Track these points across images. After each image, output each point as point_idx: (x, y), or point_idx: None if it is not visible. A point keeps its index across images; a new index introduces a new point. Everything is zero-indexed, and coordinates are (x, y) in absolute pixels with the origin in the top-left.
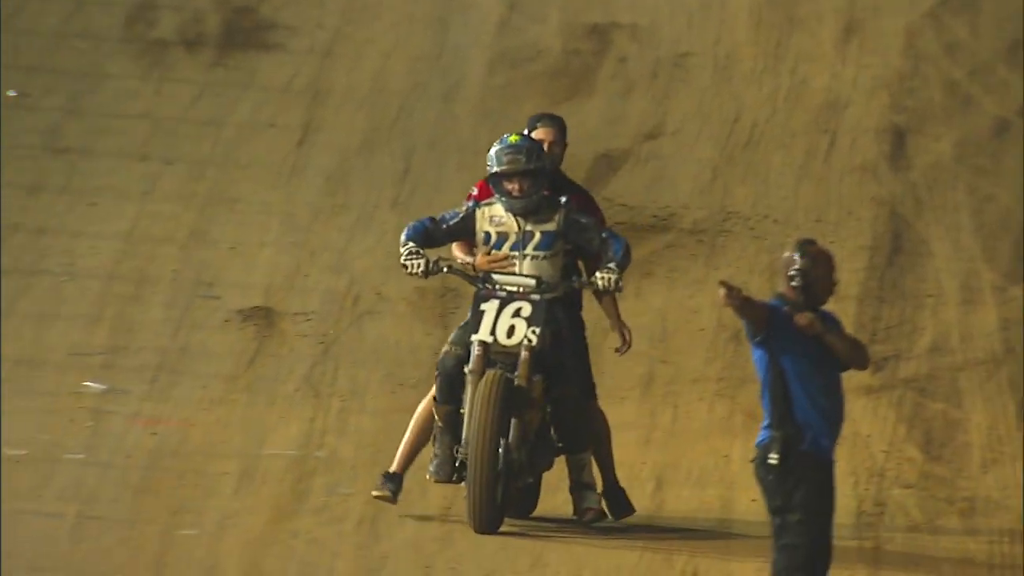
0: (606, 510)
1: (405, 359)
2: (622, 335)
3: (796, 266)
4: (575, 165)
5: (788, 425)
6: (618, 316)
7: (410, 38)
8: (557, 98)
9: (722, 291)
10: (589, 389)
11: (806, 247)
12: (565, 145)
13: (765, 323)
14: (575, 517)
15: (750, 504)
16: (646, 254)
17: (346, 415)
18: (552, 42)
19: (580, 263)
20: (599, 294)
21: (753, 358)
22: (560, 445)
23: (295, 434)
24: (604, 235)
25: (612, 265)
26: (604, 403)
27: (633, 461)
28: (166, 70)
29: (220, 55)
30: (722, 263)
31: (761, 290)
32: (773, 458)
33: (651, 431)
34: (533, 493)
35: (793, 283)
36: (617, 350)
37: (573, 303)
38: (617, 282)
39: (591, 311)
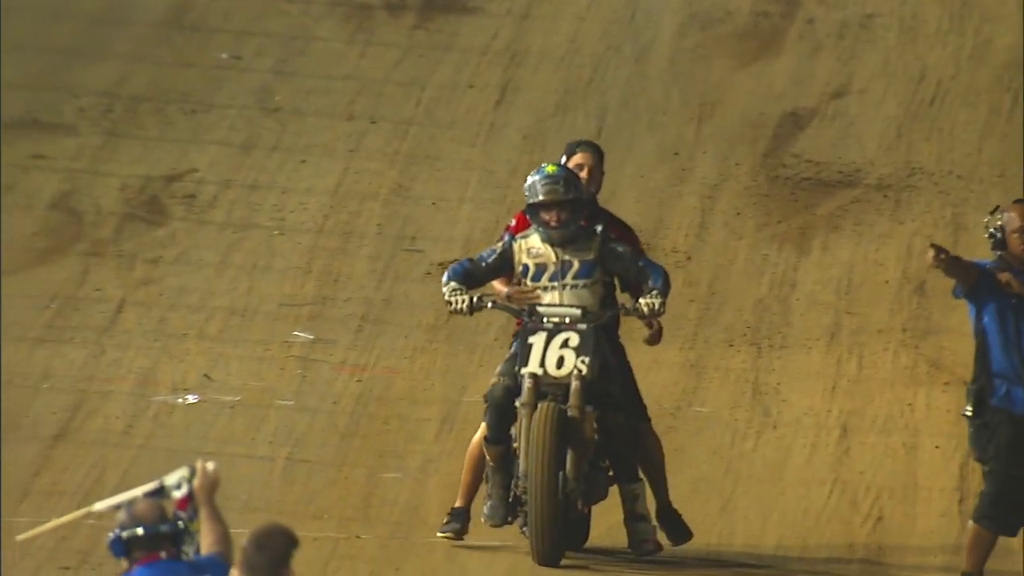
0: (663, 538)
1: None
2: (651, 326)
3: (991, 225)
4: (763, 124)
5: (983, 379)
6: (653, 325)
7: (603, 1)
8: (745, 59)
9: (931, 253)
10: (640, 413)
11: (1007, 208)
12: (603, 172)
13: (973, 281)
14: (630, 550)
15: (934, 451)
16: (833, 209)
17: None
18: (741, 4)
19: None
20: (643, 319)
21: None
22: (611, 475)
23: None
24: (641, 263)
25: (655, 292)
26: (792, 352)
27: (819, 409)
28: (371, 33)
29: (422, 19)
30: (907, 218)
31: (943, 244)
32: (967, 410)
33: (837, 379)
34: (584, 524)
35: (989, 241)
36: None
37: (613, 330)
38: (661, 307)
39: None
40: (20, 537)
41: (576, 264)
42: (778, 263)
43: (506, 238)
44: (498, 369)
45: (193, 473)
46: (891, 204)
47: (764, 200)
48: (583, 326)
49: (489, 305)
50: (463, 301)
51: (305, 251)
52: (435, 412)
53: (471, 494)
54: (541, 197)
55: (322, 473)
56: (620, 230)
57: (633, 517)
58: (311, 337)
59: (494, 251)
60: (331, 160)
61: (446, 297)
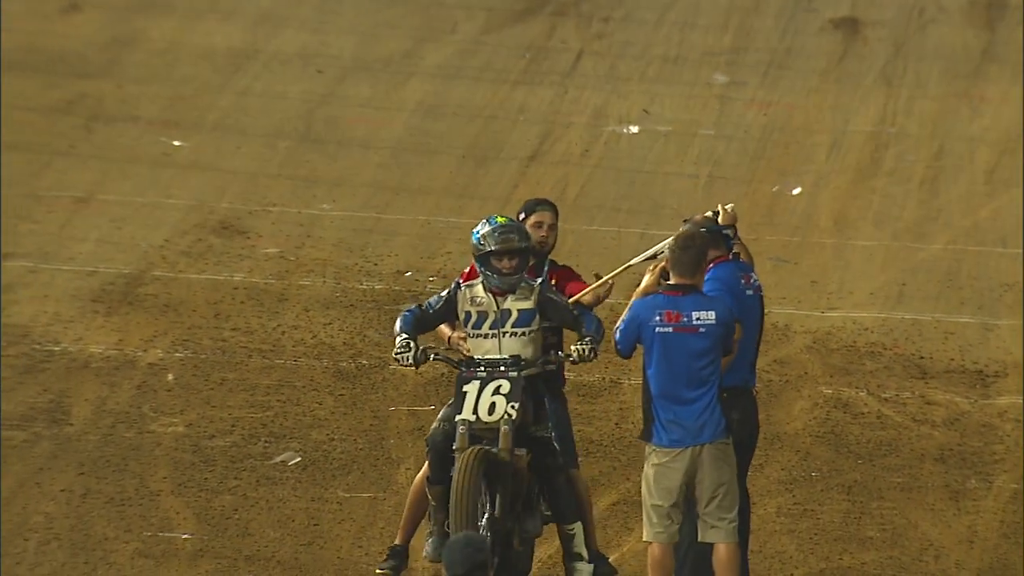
0: None
1: (959, 56)
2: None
3: None
4: None
5: None
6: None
7: None
8: None
9: None
10: (572, 460)
11: None
12: (557, 229)
13: None
14: None
15: None
16: None
17: (912, 100)
18: None
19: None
20: (575, 364)
21: None
22: (549, 514)
23: (872, 115)
24: (576, 312)
25: (588, 338)
26: None
27: None
28: None
29: None
30: None
31: None
32: None
33: None
34: (527, 558)
35: None
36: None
37: (556, 377)
38: (591, 352)
39: None
40: (574, 298)
41: (515, 313)
42: None
43: (453, 286)
44: (439, 415)
45: (717, 214)
46: None
47: None
48: (514, 373)
49: (432, 357)
50: (408, 358)
51: (724, 10)
52: (825, 139)
53: (410, 532)
54: (496, 247)
55: (735, 188)
56: (565, 272)
57: (570, 557)
58: (727, 80)
59: (440, 298)
60: None
61: (394, 353)
